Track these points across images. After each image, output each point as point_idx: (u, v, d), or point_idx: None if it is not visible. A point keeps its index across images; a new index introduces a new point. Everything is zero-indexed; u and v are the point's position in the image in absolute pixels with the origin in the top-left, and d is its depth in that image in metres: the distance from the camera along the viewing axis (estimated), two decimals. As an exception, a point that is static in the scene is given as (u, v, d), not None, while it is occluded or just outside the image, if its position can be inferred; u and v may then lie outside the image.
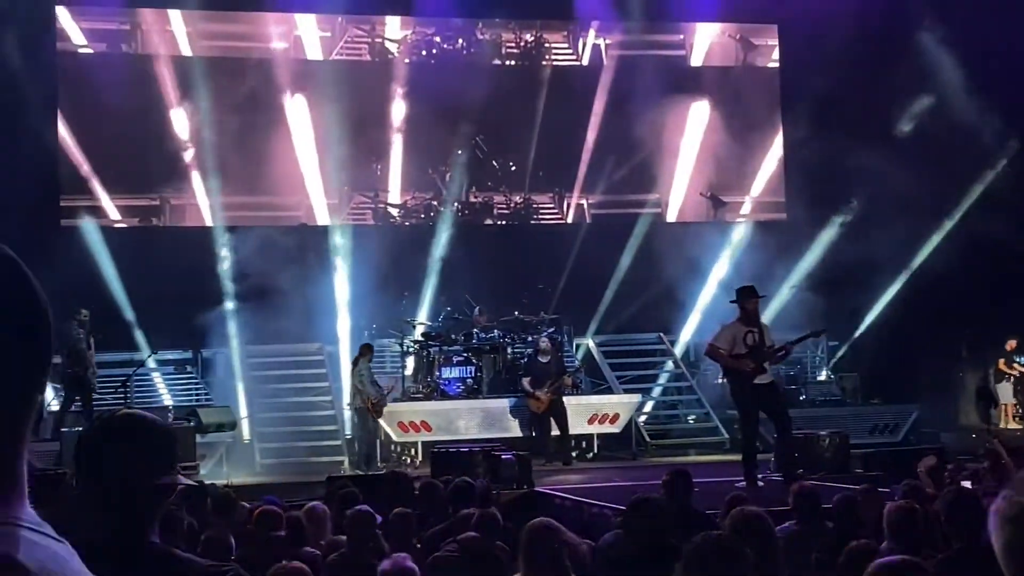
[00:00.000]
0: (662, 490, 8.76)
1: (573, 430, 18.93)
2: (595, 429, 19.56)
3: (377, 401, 18.26)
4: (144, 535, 2.85)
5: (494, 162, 23.91)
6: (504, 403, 19.31)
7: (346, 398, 20.67)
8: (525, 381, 18.88)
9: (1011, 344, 22.12)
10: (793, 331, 15.65)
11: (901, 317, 22.60)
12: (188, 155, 21.97)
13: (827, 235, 23.26)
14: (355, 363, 18.76)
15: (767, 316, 16.83)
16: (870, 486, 9.01)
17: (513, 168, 23.98)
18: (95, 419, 2.99)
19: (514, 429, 19.08)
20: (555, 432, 18.72)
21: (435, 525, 9.01)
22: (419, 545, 8.22)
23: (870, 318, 23.18)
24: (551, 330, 20.64)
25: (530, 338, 20.31)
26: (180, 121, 21.88)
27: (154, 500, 2.92)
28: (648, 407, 21.76)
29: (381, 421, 18.59)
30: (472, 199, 23.86)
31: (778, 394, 14.99)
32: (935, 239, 23.35)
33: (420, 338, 20.21)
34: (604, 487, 14.28)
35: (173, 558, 2.93)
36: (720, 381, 22.27)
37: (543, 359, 18.97)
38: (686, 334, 23.24)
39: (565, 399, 18.92)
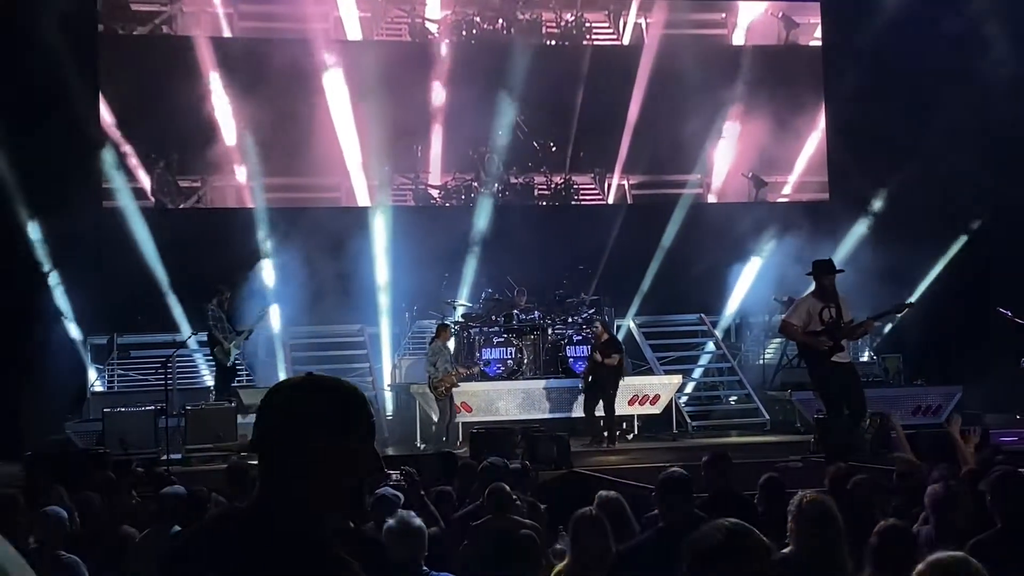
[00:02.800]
0: (701, 472, 8.71)
1: (614, 411, 18.90)
2: (636, 410, 19.54)
3: (439, 382, 18.20)
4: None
5: (535, 143, 23.82)
6: (544, 384, 19.33)
7: (387, 379, 20.83)
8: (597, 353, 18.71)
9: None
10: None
11: (945, 297, 22.38)
12: (229, 136, 22.00)
13: (869, 215, 23.09)
14: (431, 342, 18.81)
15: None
16: (904, 466, 8.88)
17: (554, 149, 23.88)
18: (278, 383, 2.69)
19: (554, 410, 19.08)
20: (599, 413, 18.65)
21: (471, 504, 9.14)
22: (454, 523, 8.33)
23: (914, 298, 22.93)
24: (591, 311, 20.57)
25: (570, 319, 20.28)
26: (221, 102, 21.91)
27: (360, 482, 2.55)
28: (689, 388, 21.67)
29: (433, 403, 18.54)
30: (513, 180, 23.78)
31: (856, 376, 14.21)
32: (980, 218, 23.11)
33: (461, 319, 20.22)
34: (642, 468, 14.17)
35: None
36: (757, 361, 22.38)
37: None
38: (727, 315, 23.16)
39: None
